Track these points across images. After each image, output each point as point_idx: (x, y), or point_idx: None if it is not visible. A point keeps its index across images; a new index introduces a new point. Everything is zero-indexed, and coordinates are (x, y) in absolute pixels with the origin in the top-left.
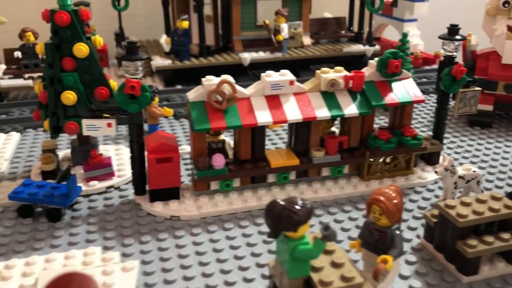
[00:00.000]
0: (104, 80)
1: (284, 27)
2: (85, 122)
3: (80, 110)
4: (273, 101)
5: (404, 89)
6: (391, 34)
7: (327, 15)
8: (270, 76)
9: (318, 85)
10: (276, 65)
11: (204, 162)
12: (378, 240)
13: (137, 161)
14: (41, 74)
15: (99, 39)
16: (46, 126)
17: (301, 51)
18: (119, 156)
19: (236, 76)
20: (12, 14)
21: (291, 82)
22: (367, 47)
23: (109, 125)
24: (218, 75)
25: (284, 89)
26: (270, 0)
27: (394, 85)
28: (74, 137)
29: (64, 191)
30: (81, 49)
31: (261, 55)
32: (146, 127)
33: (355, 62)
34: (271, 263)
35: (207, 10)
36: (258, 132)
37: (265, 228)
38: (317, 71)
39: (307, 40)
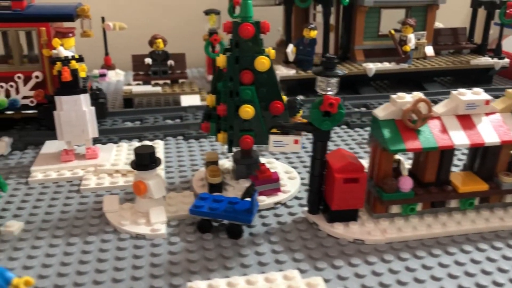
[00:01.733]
0: (279, 94)
1: (411, 37)
2: (272, 138)
3: (254, 124)
4: (466, 121)
5: None
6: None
7: (439, 25)
8: (463, 95)
9: (510, 106)
10: (399, 76)
11: (391, 185)
12: None
13: (317, 180)
14: (167, 81)
15: (272, 52)
16: (220, 139)
17: (425, 62)
18: (274, 170)
19: (359, 87)
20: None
21: (487, 102)
22: (495, 60)
23: (296, 142)
24: (341, 86)
25: (477, 109)
26: (394, 9)
27: None
28: (229, 149)
29: (247, 207)
30: (263, 63)
31: (386, 65)
32: None
33: (480, 75)
34: None
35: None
36: (447, 154)
37: (462, 259)
38: (509, 90)
39: (430, 51)
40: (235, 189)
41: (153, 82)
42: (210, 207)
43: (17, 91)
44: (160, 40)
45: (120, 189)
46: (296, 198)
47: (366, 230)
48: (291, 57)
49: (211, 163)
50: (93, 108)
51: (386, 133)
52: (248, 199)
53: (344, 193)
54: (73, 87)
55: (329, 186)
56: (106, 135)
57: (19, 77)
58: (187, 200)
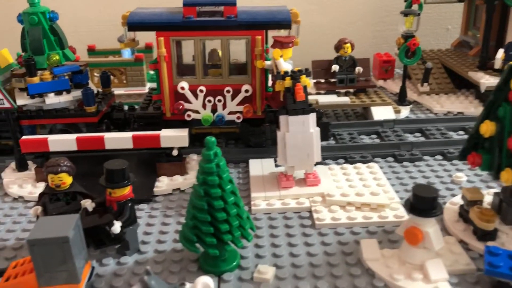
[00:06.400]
0: None
1: None
2: None
3: None
4: None
5: None
6: None
7: None
8: None
9: None
10: None
11: None
12: None
13: None
14: (351, 90)
15: None
16: (506, 178)
17: None
18: None
19: None
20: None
21: None
22: None
23: None
24: None
25: None
26: None
27: None
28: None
29: None
30: None
31: None
32: None
33: None
34: None
35: None
36: None
37: None
38: None
39: None
40: (508, 237)
41: (342, 91)
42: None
43: (224, 106)
44: (348, 45)
45: (361, 226)
46: None
47: None
48: (499, 64)
49: (474, 202)
50: (318, 129)
51: None
52: None
53: None
54: (302, 105)
55: None
56: None
57: (228, 91)
58: (455, 249)
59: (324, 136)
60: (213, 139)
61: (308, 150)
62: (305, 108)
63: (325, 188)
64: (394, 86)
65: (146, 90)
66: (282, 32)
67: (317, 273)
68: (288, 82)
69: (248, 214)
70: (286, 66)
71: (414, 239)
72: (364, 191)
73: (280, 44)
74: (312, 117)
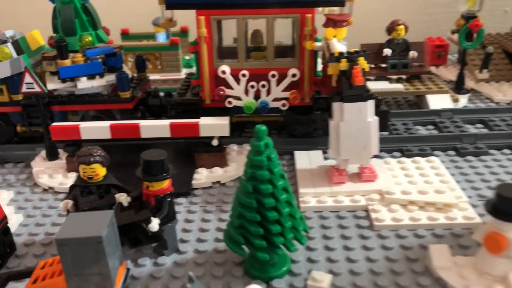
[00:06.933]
0: None
1: None
2: None
3: None
4: None
5: None
6: None
7: None
8: None
9: None
10: None
11: None
12: None
13: None
14: (403, 76)
15: None
16: None
17: None
18: None
19: None
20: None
21: None
22: None
23: None
24: None
25: None
26: None
27: None
28: None
29: None
30: None
31: None
32: None
33: None
34: None
35: None
36: None
37: None
38: None
39: None
40: None
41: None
42: None
43: (268, 92)
44: (402, 27)
45: (426, 228)
46: None
47: None
48: None
49: None
50: (376, 118)
51: None
52: None
53: None
54: (359, 91)
55: None
56: None
57: (273, 76)
58: None
59: (382, 126)
60: (264, 127)
61: (365, 142)
62: (362, 94)
63: (383, 185)
64: (447, 72)
65: (182, 75)
66: (327, 11)
67: (380, 282)
68: (344, 64)
69: (301, 214)
70: (340, 47)
71: (496, 246)
72: (427, 188)
73: (334, 22)
74: (370, 104)
